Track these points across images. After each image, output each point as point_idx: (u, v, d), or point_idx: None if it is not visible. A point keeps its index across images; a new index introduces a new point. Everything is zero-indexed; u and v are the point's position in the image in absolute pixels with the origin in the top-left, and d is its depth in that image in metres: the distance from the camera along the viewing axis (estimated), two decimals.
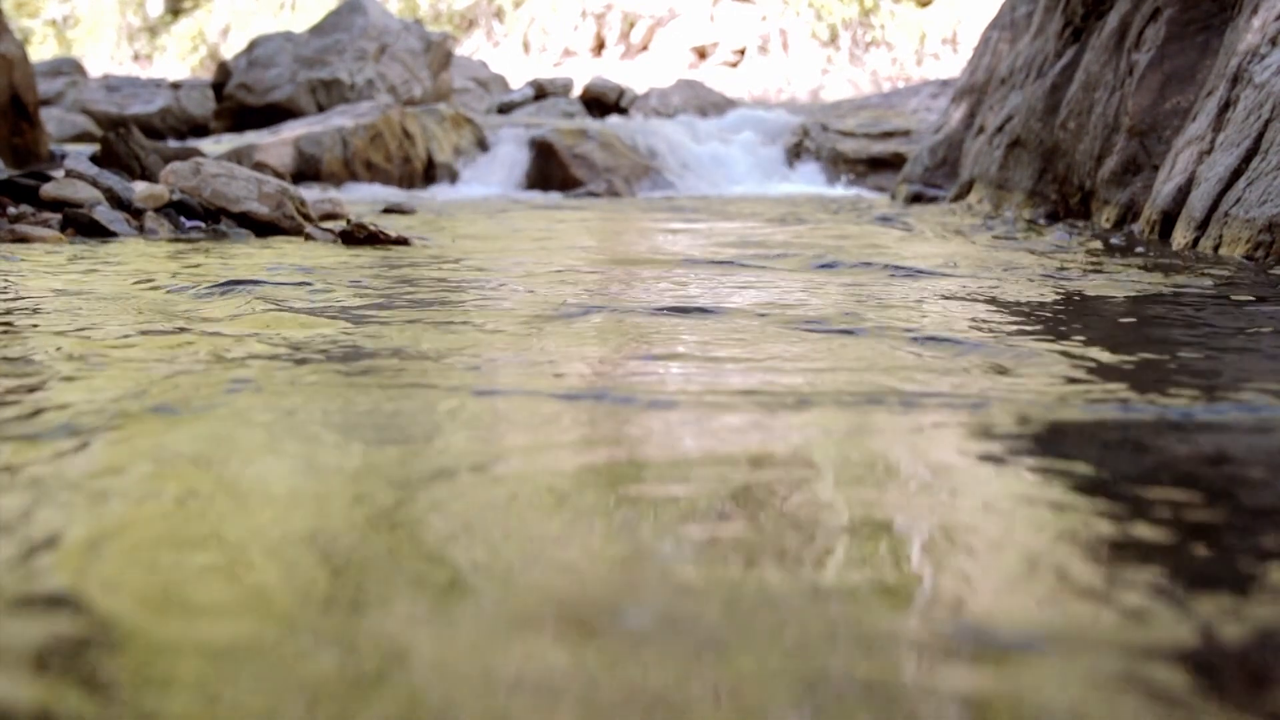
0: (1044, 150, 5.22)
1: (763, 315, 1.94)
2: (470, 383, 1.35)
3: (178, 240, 3.70)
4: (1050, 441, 1.10)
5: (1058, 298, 2.27)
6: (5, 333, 1.72)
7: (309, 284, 2.39)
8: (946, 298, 2.24)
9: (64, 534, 0.79)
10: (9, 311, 1.96)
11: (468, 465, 0.97)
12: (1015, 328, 1.82)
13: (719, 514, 0.85)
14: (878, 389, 1.30)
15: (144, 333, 1.71)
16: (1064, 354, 1.56)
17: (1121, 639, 0.63)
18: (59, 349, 1.55)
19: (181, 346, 1.57)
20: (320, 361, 1.46)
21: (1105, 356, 1.55)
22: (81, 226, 3.63)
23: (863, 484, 0.94)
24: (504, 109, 14.47)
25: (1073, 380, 1.38)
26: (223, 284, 2.32)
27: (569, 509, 0.86)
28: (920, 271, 2.74)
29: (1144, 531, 0.82)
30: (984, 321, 1.90)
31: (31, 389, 1.29)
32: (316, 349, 1.55)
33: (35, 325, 1.80)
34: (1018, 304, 2.15)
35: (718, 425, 1.13)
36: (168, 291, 2.26)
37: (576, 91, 15.30)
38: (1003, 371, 1.43)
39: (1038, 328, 1.84)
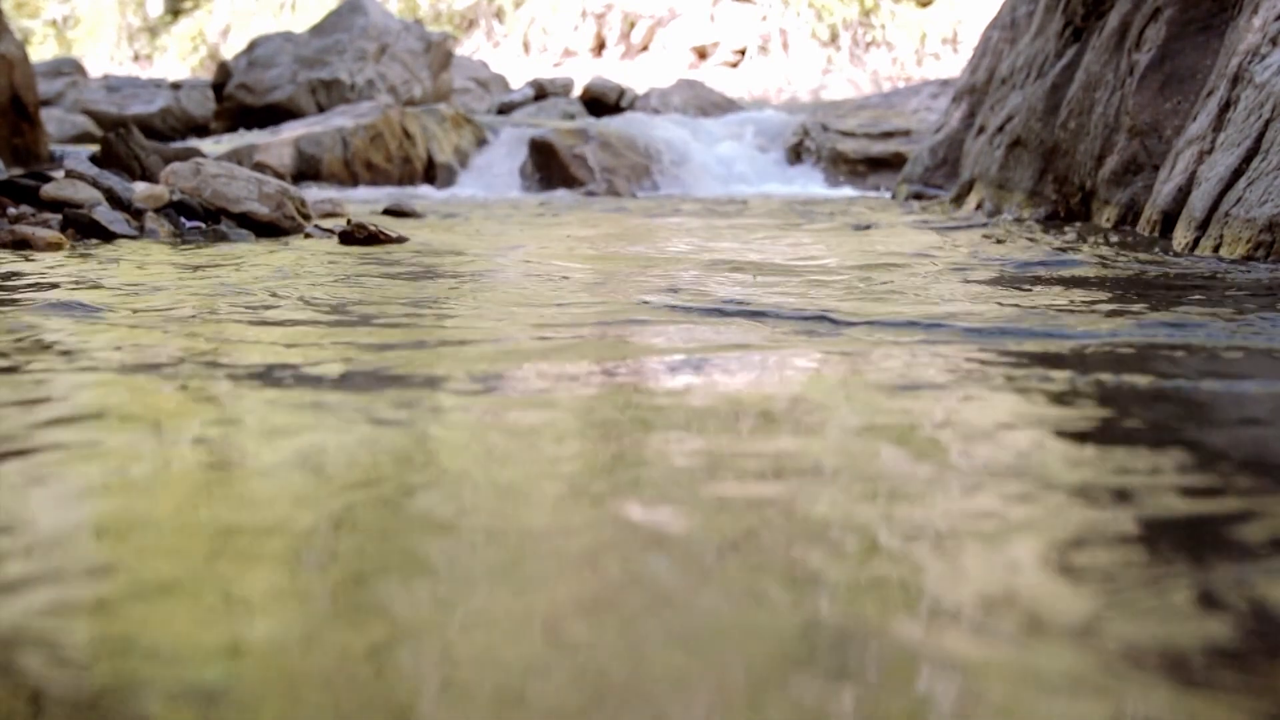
0: (1044, 150, 5.22)
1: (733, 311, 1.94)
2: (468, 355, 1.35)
3: (181, 242, 3.70)
4: None
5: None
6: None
7: (316, 284, 2.40)
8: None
9: None
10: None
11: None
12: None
13: None
14: None
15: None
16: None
17: None
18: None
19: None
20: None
21: None
22: (81, 227, 3.63)
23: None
24: (504, 109, 14.46)
25: None
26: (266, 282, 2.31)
27: None
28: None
29: None
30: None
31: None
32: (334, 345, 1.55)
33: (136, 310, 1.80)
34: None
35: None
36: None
37: (577, 91, 15.29)
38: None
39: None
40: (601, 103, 14.56)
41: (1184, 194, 3.61)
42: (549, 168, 10.26)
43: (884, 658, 0.61)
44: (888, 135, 11.43)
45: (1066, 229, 4.42)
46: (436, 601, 0.68)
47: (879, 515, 0.86)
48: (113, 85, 14.70)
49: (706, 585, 0.71)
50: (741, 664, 0.60)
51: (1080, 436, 1.13)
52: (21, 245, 3.30)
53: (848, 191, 10.10)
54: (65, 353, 1.56)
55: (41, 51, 24.88)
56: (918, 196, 7.14)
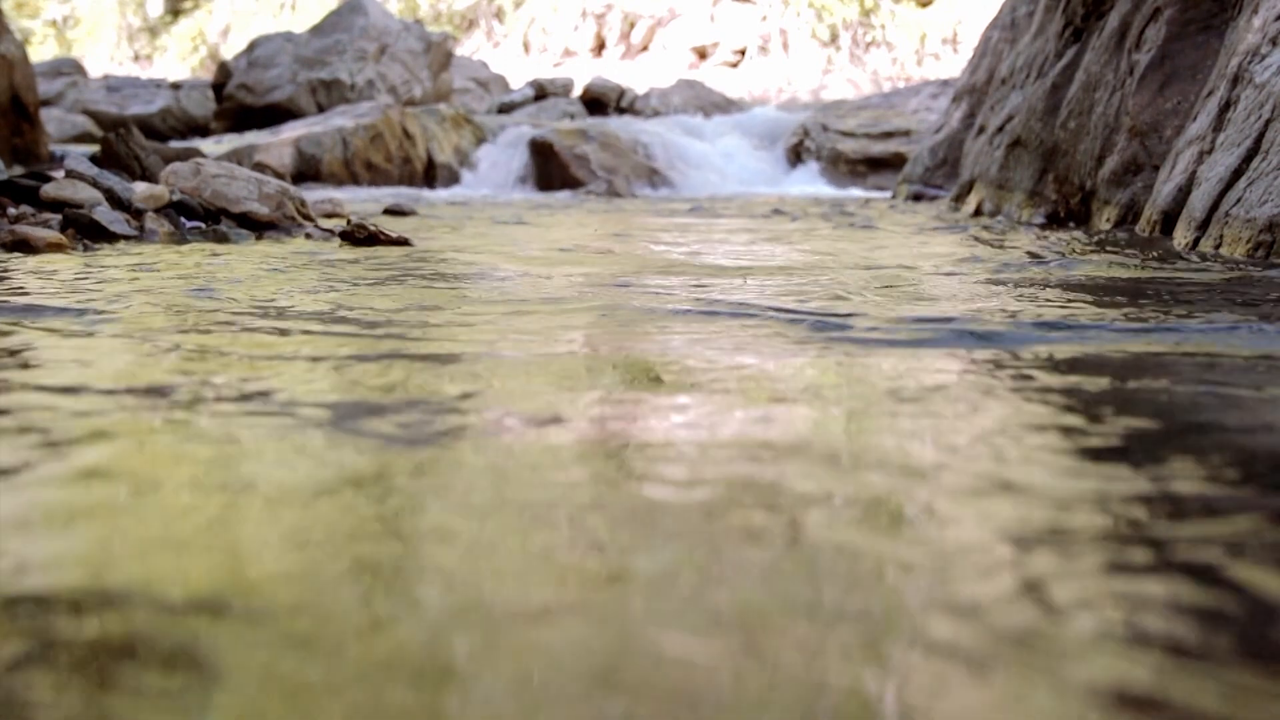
0: (1044, 150, 5.22)
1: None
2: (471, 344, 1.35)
3: (182, 242, 3.70)
4: None
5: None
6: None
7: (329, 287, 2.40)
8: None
9: None
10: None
11: None
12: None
13: None
14: None
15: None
16: None
17: None
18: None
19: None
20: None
21: None
22: (82, 227, 3.63)
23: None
24: (504, 109, 14.47)
25: None
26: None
27: None
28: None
29: None
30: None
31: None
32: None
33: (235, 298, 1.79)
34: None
35: None
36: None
37: (577, 92, 15.30)
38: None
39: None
40: (601, 103, 14.57)
41: (1184, 194, 3.61)
42: (549, 168, 10.27)
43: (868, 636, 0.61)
44: (888, 135, 11.44)
45: (1067, 229, 4.42)
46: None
47: (881, 519, 0.86)
48: (113, 85, 14.72)
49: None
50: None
51: (1094, 444, 1.13)
52: (22, 245, 3.29)
53: (848, 191, 10.10)
54: (49, 361, 1.56)
55: (41, 51, 24.90)
56: (918, 197, 7.15)
